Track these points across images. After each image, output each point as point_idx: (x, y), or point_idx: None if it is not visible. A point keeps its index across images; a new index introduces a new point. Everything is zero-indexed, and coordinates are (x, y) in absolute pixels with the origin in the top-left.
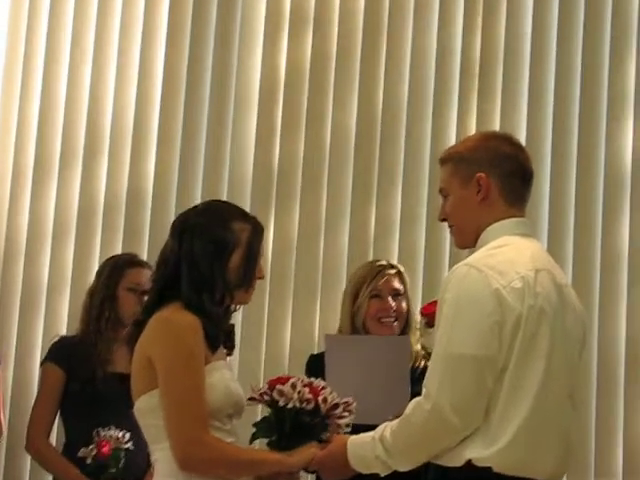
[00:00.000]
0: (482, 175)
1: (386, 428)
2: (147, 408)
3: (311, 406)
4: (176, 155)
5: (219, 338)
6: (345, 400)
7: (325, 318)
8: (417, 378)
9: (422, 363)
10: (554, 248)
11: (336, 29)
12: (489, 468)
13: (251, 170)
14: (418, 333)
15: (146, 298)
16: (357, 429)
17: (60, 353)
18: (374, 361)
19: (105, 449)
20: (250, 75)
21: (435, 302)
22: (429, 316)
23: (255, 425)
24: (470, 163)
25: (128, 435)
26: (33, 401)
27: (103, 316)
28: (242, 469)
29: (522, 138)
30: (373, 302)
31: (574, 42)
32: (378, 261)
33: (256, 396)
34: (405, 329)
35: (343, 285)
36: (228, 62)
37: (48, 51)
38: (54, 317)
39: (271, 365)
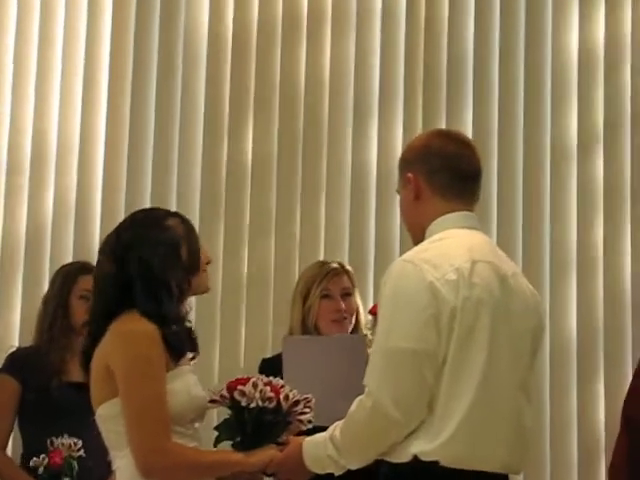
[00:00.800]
0: (410, 175)
1: (336, 427)
2: (108, 415)
3: (273, 404)
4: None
5: (184, 347)
6: (305, 396)
7: (278, 319)
8: None
9: None
10: (503, 242)
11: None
12: (436, 462)
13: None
14: (368, 332)
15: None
16: (318, 430)
17: (14, 364)
18: (332, 361)
19: (57, 458)
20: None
21: None
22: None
23: (216, 428)
24: (404, 164)
25: (80, 443)
26: None
27: (55, 325)
28: (203, 472)
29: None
30: (324, 302)
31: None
32: (327, 262)
33: (217, 398)
34: (356, 328)
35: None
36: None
37: None
38: (5, 327)
39: (226, 369)
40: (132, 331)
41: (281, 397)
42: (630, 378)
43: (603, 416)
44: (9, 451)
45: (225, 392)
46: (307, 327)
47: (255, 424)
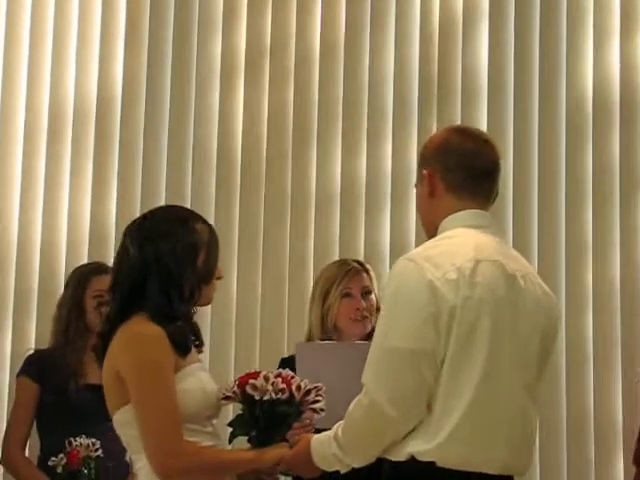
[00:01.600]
0: (425, 172)
1: (339, 426)
2: (124, 421)
3: (286, 395)
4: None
5: (188, 341)
6: (315, 385)
7: (294, 320)
8: None
9: None
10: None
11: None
12: (432, 462)
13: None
14: None
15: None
16: None
17: (32, 367)
18: (345, 367)
19: (75, 458)
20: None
21: None
22: None
23: (230, 424)
24: (422, 160)
25: (99, 443)
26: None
27: (71, 327)
28: (219, 471)
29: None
30: (344, 301)
31: None
32: (346, 260)
33: (230, 394)
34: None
35: (309, 285)
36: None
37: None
38: (22, 330)
39: (241, 371)
40: (140, 334)
41: (293, 387)
42: None
43: (621, 413)
44: (27, 453)
45: (236, 388)
46: (326, 327)
47: (268, 416)
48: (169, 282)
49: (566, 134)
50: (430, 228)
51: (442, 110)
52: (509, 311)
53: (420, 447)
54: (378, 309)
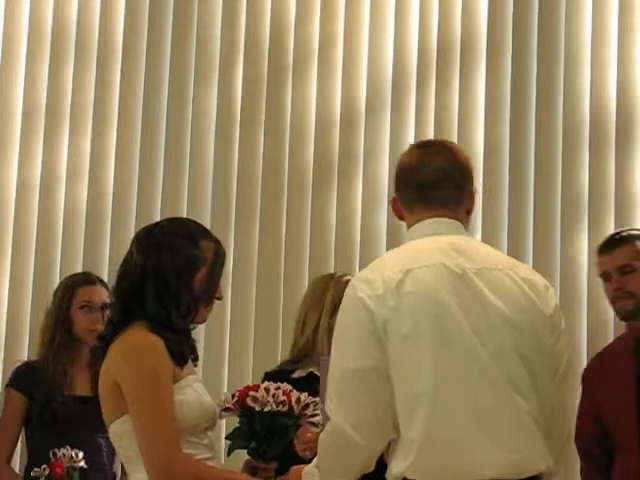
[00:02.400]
0: (392, 199)
1: None
2: (122, 432)
3: (286, 407)
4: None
5: (185, 352)
6: (313, 400)
7: (288, 335)
8: None
9: None
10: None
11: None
12: None
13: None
14: None
15: (108, 312)
16: None
17: (20, 378)
18: None
19: (58, 469)
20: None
21: None
22: None
23: (228, 437)
24: None
25: (82, 454)
26: None
27: (56, 338)
28: None
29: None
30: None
31: None
32: (338, 273)
33: (231, 406)
34: None
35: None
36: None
37: None
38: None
39: (233, 386)
40: (137, 346)
41: (293, 400)
42: None
43: None
44: (14, 464)
45: (236, 400)
46: (317, 341)
47: (267, 429)
48: (165, 292)
49: (562, 144)
50: None
51: None
52: (457, 309)
53: (399, 467)
54: None
